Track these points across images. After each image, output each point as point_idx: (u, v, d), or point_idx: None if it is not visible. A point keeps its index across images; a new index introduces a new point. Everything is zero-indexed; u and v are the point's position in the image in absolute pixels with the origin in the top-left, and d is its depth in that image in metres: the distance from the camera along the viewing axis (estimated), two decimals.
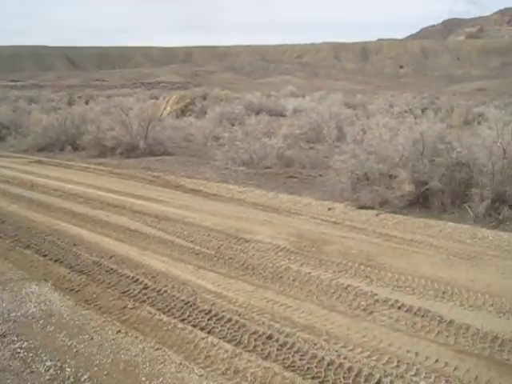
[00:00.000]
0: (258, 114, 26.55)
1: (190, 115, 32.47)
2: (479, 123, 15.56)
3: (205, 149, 21.46)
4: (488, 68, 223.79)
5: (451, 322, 6.12)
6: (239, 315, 6.38)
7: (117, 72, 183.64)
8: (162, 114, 32.97)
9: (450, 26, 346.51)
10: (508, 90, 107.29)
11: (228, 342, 5.72)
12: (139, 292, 7.19)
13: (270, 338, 5.77)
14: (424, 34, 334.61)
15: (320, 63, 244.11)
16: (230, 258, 8.53)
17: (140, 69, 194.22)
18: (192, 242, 9.47)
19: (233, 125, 24.66)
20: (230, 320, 6.23)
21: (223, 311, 6.48)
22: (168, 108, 35.82)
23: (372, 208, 11.14)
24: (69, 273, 8.04)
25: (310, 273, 7.79)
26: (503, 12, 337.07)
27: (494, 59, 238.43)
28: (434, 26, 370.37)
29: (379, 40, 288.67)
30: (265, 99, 39.13)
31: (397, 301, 6.71)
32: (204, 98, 40.10)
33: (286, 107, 35.22)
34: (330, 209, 11.56)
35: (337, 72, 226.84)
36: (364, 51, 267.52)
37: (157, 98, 44.03)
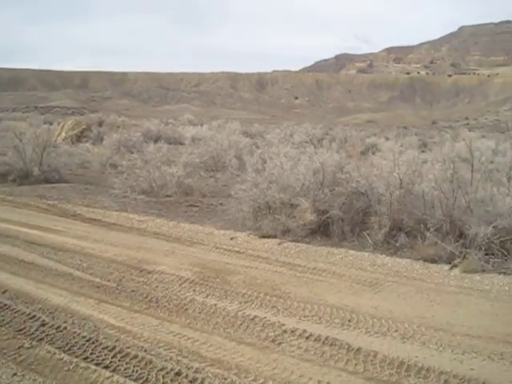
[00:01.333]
0: (156, 141, 26.18)
1: (86, 142, 31.54)
2: (373, 153, 16.21)
3: (102, 176, 20.86)
4: (377, 101, 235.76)
5: (359, 349, 6.21)
6: (145, 351, 6.12)
7: (8, 94, 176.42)
8: (56, 140, 31.78)
9: (342, 60, 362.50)
10: (395, 123, 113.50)
11: (135, 380, 5.46)
12: (36, 329, 6.74)
13: (178, 374, 5.56)
14: (318, 67, 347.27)
15: (217, 92, 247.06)
16: (133, 291, 8.24)
17: (33, 92, 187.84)
18: (92, 274, 9.08)
19: (131, 152, 24.27)
20: (135, 357, 5.96)
21: (128, 347, 6.20)
22: (63, 134, 34.64)
23: (274, 237, 11.19)
24: None
25: (215, 304, 7.66)
26: (389, 50, 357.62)
27: (382, 93, 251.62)
28: (327, 59, 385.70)
29: (275, 71, 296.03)
30: (163, 127, 38.84)
31: (305, 330, 6.72)
32: (100, 124, 39.16)
33: (185, 135, 35.17)
34: (232, 238, 11.51)
35: (234, 101, 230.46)
36: (260, 82, 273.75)
37: (51, 123, 42.47)
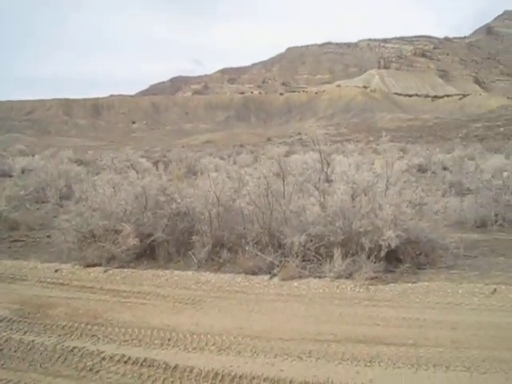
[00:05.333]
0: None
1: None
2: (202, 173, 16.52)
3: None
4: (214, 121, 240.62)
5: (176, 367, 6.37)
6: None
7: None
8: None
9: (178, 83, 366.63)
10: (233, 141, 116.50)
11: None
12: None
13: None
14: (154, 90, 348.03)
15: (51, 120, 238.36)
16: None
17: None
18: None
19: None
20: None
21: None
22: None
23: (100, 265, 11.03)
24: None
25: (33, 340, 7.41)
26: (223, 71, 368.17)
27: (218, 113, 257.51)
28: (162, 82, 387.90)
29: (111, 96, 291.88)
30: None
31: (123, 355, 6.75)
32: None
33: (14, 167, 33.48)
34: (57, 270, 11.17)
35: (69, 128, 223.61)
36: (96, 107, 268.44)
37: None
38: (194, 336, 7.31)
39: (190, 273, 10.38)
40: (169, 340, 7.22)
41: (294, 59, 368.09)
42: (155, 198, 11.65)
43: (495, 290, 8.82)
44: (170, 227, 11.31)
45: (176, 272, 10.47)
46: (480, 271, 9.93)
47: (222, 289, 9.52)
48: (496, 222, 14.32)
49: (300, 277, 9.79)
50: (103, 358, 6.71)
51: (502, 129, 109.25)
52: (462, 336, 7.07)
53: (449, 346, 6.78)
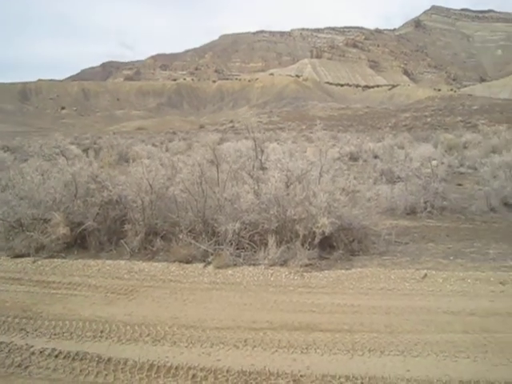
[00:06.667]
0: None
1: None
2: (134, 161, 16.15)
3: None
4: (146, 108, 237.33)
5: (109, 359, 6.21)
6: None
7: None
8: None
9: (109, 68, 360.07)
10: (165, 128, 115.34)
11: None
12: None
13: None
14: (84, 75, 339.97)
15: None
16: None
17: None
18: None
19: None
20: None
21: None
22: None
23: (28, 255, 10.60)
24: None
25: None
26: (156, 57, 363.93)
27: (150, 100, 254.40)
28: (93, 67, 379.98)
29: (39, 81, 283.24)
30: None
31: (54, 349, 6.52)
32: None
33: None
34: None
35: None
36: (23, 92, 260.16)
37: None
38: (128, 327, 7.15)
39: (122, 262, 10.14)
40: (101, 332, 7.02)
41: (227, 47, 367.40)
42: (86, 185, 11.33)
43: (426, 275, 9.06)
44: (102, 215, 11.03)
45: (108, 261, 10.21)
46: (411, 257, 10.20)
47: (155, 278, 9.35)
48: (425, 209, 14.72)
49: (235, 265, 9.75)
50: (32, 353, 6.46)
51: (429, 119, 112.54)
52: (395, 321, 7.21)
53: (383, 330, 6.91)
